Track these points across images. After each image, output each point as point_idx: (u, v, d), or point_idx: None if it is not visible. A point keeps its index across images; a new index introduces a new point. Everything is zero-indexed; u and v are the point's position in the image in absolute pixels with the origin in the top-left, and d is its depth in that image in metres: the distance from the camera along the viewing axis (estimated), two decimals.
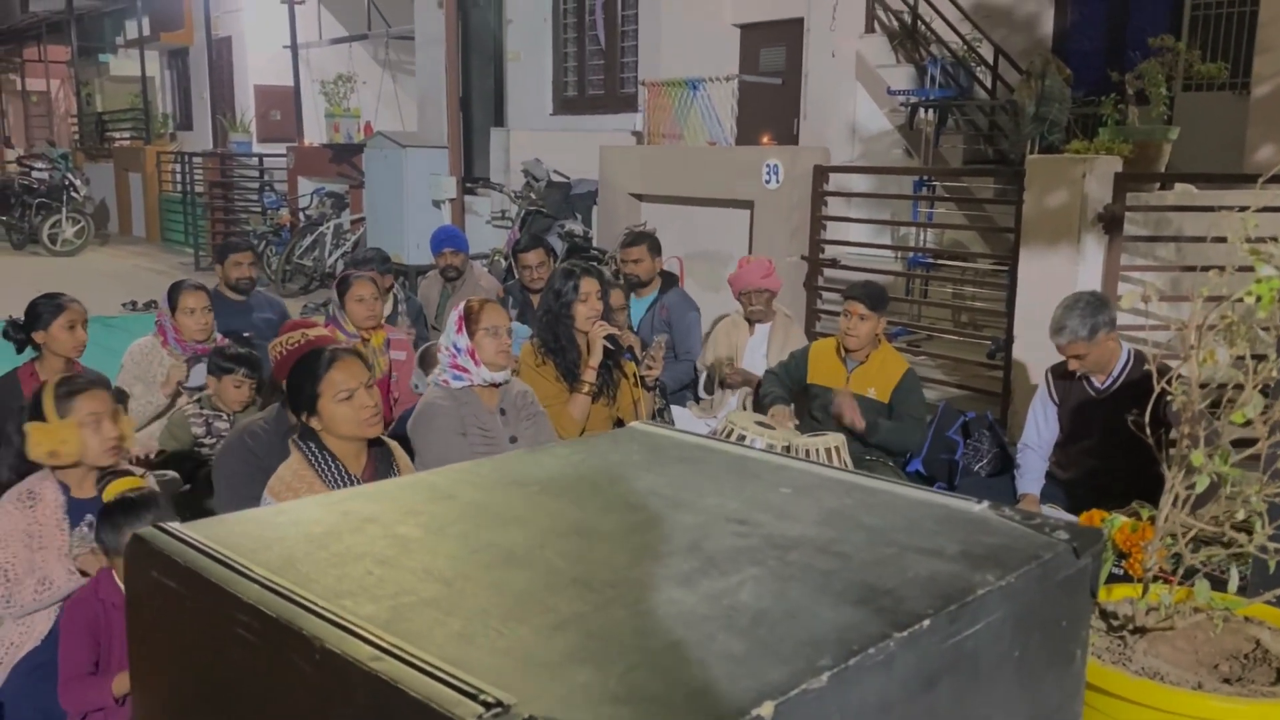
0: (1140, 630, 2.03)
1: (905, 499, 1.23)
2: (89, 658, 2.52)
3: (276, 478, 2.71)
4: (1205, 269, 5.09)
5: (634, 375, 4.41)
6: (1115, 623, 2.12)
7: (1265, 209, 5.40)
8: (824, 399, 4.70)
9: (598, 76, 10.13)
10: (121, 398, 4.45)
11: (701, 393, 5.61)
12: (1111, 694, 1.84)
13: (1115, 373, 3.99)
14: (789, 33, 9.10)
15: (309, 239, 10.51)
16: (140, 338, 4.66)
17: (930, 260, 7.07)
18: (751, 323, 5.41)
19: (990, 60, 8.15)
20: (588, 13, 10.08)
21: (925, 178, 7.47)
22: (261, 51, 15.62)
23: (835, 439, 4.40)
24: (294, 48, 12.49)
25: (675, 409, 5.33)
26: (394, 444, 3.00)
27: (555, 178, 8.08)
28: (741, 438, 4.45)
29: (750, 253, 6.51)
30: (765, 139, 6.62)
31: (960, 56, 8.20)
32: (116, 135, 18.29)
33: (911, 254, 7.06)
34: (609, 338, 4.15)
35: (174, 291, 4.49)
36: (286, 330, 3.69)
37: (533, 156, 8.15)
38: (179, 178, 14.59)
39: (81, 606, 2.57)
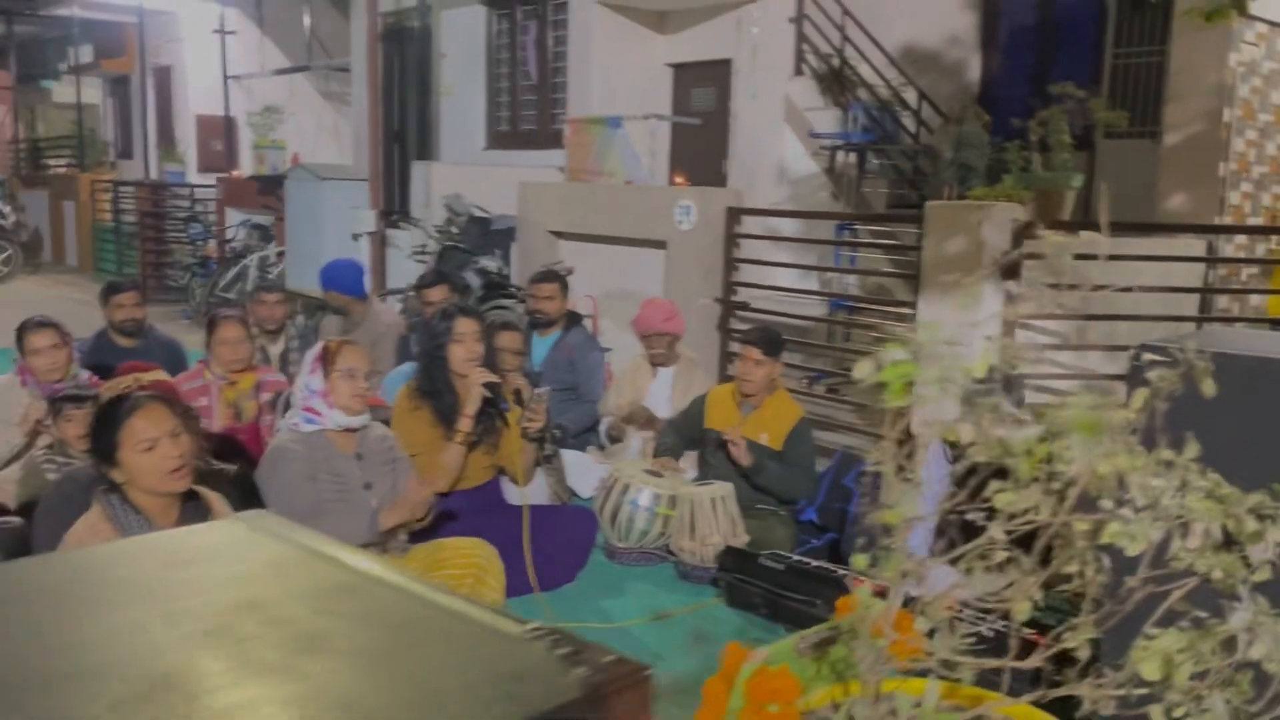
0: None
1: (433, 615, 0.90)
2: None
3: (71, 533, 2.53)
4: (1110, 318, 5.09)
5: (517, 423, 4.27)
6: None
7: (1171, 258, 5.38)
8: (718, 445, 4.58)
9: (530, 112, 10.05)
10: None
11: (603, 437, 5.47)
12: None
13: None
14: (718, 73, 9.09)
15: (233, 271, 10.30)
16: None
17: (850, 305, 7.00)
18: (655, 366, 5.30)
19: (915, 105, 8.16)
20: (519, 48, 10.02)
21: (848, 221, 7.42)
22: (202, 81, 15.43)
23: (722, 489, 4.30)
24: (225, 78, 12.31)
25: (575, 454, 5.18)
26: (214, 497, 2.82)
27: (477, 213, 7.95)
28: (626, 488, 4.34)
29: (664, 293, 6.42)
30: (679, 179, 6.54)
31: (885, 101, 8.20)
32: (54, 162, 17.95)
33: (832, 299, 7.00)
34: (488, 384, 4.01)
35: (19, 332, 4.28)
36: (121, 374, 3.51)
37: (454, 191, 8.02)
38: (112, 207, 14.33)
39: None
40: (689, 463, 4.84)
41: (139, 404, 2.58)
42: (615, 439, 5.30)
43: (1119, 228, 5.76)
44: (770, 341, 4.46)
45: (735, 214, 6.20)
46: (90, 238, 15.32)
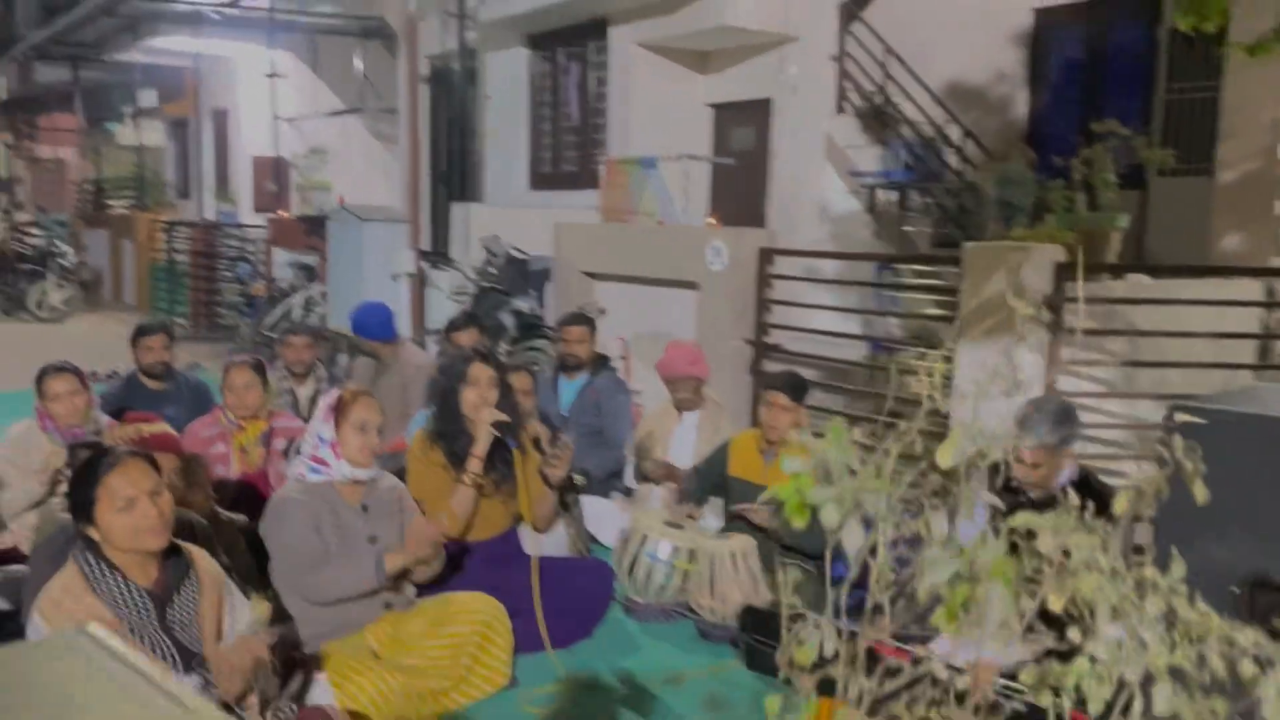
0: None
1: None
2: None
3: (44, 593, 2.46)
4: (1160, 365, 4.85)
5: (535, 470, 4.16)
6: None
7: (1226, 302, 5.13)
8: (741, 492, 4.42)
9: (571, 153, 10.04)
10: None
11: (630, 482, 5.34)
12: None
13: (1056, 488, 3.69)
14: (759, 113, 8.99)
15: (278, 310, 10.37)
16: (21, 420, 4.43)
17: (891, 347, 6.80)
18: (680, 410, 5.17)
19: (959, 142, 7.99)
20: (561, 90, 10.04)
21: (887, 262, 7.25)
22: (257, 123, 15.71)
23: (743, 543, 4.14)
24: (274, 120, 12.53)
25: (598, 500, 5.05)
26: (197, 552, 2.74)
27: (514, 254, 7.92)
28: (644, 539, 4.19)
29: (696, 335, 6.30)
30: (711, 219, 6.44)
31: (928, 138, 8.04)
32: (116, 203, 18.41)
33: (869, 341, 6.80)
34: (497, 424, 3.91)
35: (40, 377, 4.25)
36: (127, 422, 3.47)
37: (491, 232, 8.00)
38: (166, 246, 14.61)
39: None
40: (714, 510, 4.68)
41: (118, 461, 2.51)
42: (644, 478, 5.16)
43: (1171, 270, 5.54)
44: (796, 387, 4.31)
45: (767, 254, 6.07)
46: (147, 277, 15.61)
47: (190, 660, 2.57)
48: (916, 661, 1.35)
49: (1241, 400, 2.40)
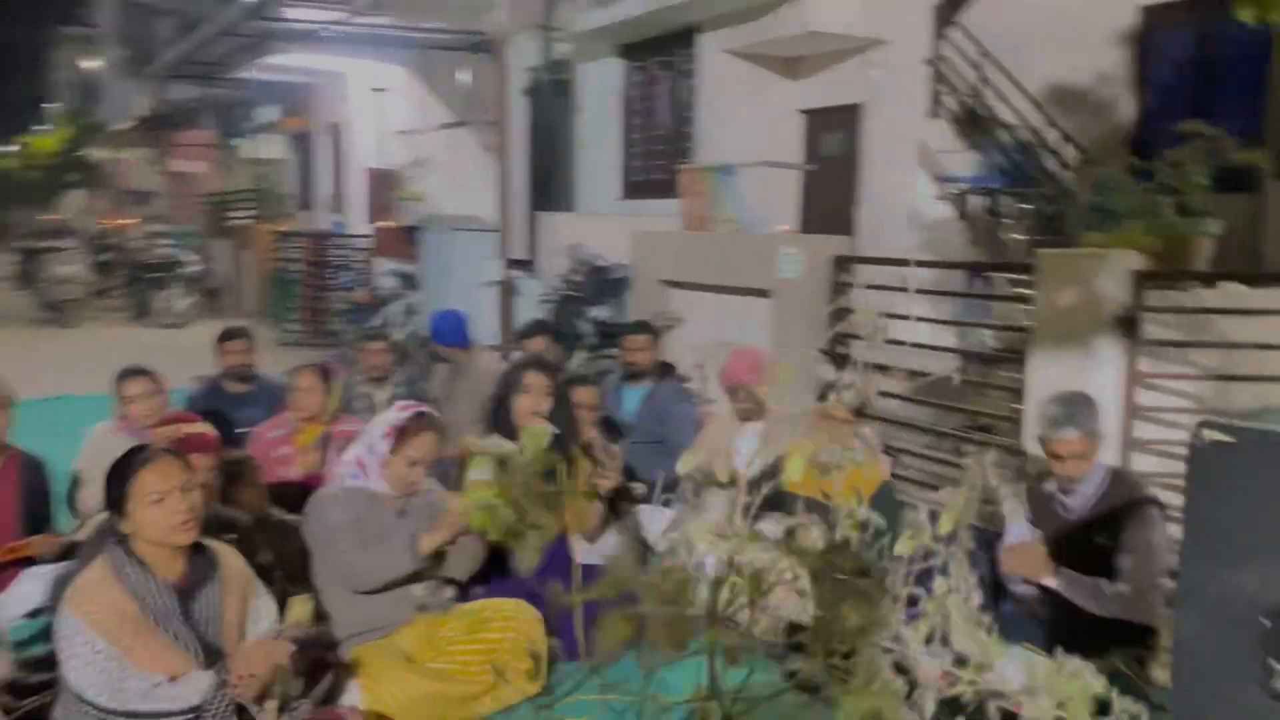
0: None
1: None
2: None
3: (73, 588, 2.56)
4: (1259, 379, 4.54)
5: (586, 479, 4.15)
6: None
7: None
8: (796, 506, 4.33)
9: (661, 161, 10.04)
10: (75, 485, 4.46)
11: (688, 491, 5.28)
12: None
13: (1090, 492, 3.52)
14: (849, 118, 8.83)
15: (378, 317, 10.67)
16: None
17: (980, 359, 6.55)
18: (743, 420, 5.10)
19: (1059, 147, 7.68)
20: (652, 99, 10.06)
21: (978, 270, 6.99)
22: (370, 136, 16.24)
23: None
24: (379, 134, 12.93)
25: (657, 510, 5.01)
26: (227, 550, 2.82)
27: (597, 262, 7.96)
28: (692, 549, 4.13)
29: (769, 344, 6.21)
30: (784, 227, 6.34)
31: (1024, 142, 7.75)
32: (238, 215, 19.27)
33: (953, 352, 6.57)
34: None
35: (118, 380, 4.44)
36: (165, 423, 3.60)
37: (575, 241, 8.06)
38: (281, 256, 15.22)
39: None
40: (774, 523, 4.59)
41: (152, 458, 2.62)
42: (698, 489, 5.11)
43: (1273, 278, 5.19)
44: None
45: (842, 262, 5.94)
46: (264, 285, 16.29)
47: (213, 655, 2.64)
48: None
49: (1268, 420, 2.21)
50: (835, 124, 9.04)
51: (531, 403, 4.01)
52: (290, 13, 14.29)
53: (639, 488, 5.20)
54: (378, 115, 15.46)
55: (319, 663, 3.31)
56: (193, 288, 15.67)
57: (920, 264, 6.77)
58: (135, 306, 15.89)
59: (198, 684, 2.51)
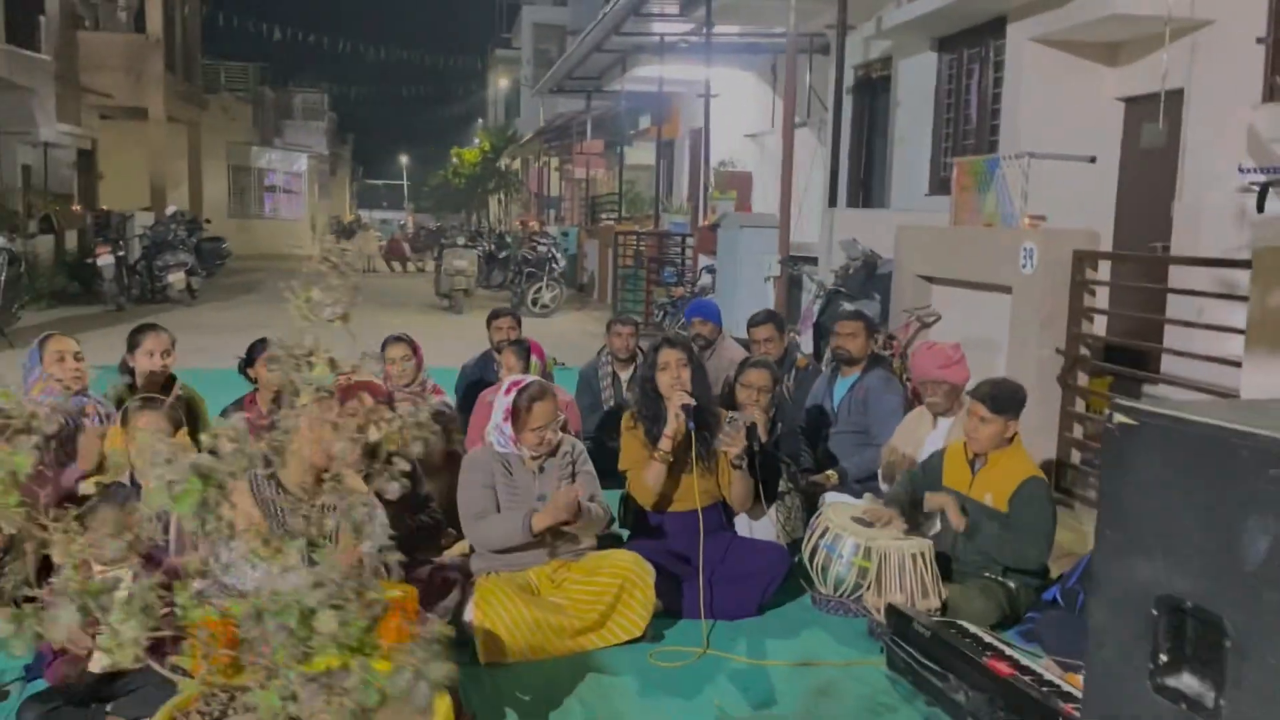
0: None
1: None
2: None
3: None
4: None
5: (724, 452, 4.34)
6: None
7: None
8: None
9: (970, 155, 9.71)
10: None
11: (882, 484, 5.28)
12: None
13: None
14: (1169, 105, 8.04)
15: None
16: None
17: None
18: (935, 415, 5.02)
19: None
20: (963, 91, 9.77)
21: None
22: (724, 141, 17.05)
23: (919, 544, 4.05)
24: (706, 138, 13.62)
25: (843, 497, 5.06)
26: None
27: (869, 256, 7.98)
28: (826, 532, 4.22)
29: (1008, 342, 5.99)
30: (1027, 220, 6.00)
31: None
32: (606, 215, 20.95)
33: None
34: (685, 408, 4.20)
35: (384, 345, 5.33)
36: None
37: (850, 236, 8.12)
38: (630, 253, 16.49)
39: None
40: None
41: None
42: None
43: None
44: (998, 398, 4.08)
45: (1085, 257, 5.57)
46: (616, 279, 17.70)
47: None
48: None
49: (1223, 409, 2.01)
50: (1155, 112, 8.27)
51: (669, 377, 4.30)
52: (655, 26, 15.47)
53: (832, 475, 5.28)
54: (732, 121, 16.27)
55: (446, 582, 3.89)
56: (558, 282, 17.37)
57: (1175, 261, 6.16)
58: (515, 297, 17.91)
59: None
